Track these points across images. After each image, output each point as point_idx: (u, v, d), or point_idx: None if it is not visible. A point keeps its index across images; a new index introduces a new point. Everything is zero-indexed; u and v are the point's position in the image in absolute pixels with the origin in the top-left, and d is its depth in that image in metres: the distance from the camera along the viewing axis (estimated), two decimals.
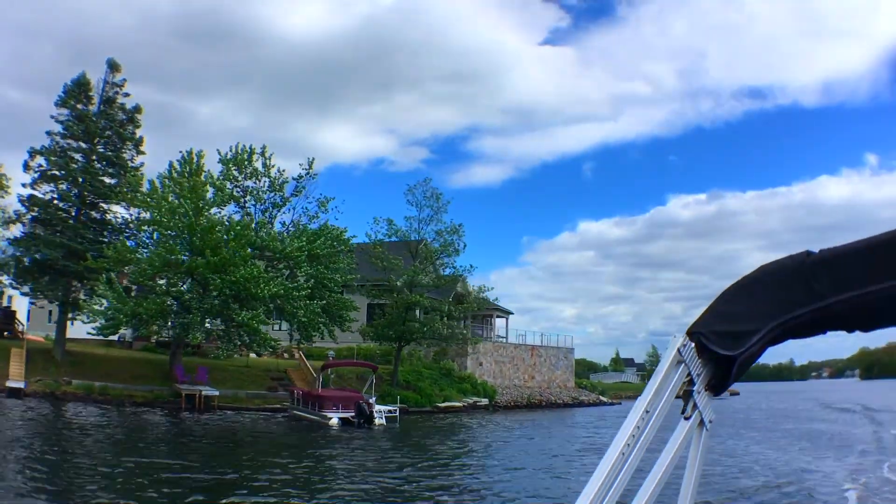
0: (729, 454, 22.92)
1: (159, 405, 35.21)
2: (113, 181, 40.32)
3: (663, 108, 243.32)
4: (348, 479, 16.61)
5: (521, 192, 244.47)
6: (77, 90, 40.89)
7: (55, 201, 40.00)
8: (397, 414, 35.21)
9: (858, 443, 27.12)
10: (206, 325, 33.28)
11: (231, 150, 36.86)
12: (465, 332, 46.42)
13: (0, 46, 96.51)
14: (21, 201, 39.85)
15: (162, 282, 34.61)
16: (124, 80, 41.61)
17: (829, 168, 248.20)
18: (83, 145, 40.41)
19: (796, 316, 1.87)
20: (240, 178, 37.33)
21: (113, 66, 41.68)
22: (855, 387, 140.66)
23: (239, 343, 33.94)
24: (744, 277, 1.96)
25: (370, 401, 32.91)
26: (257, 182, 37.74)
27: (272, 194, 37.80)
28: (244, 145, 37.46)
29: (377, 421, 31.72)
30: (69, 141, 40.36)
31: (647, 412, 1.79)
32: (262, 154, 38.05)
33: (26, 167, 40.35)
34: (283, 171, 38.39)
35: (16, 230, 39.62)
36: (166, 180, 34.55)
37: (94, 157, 40.32)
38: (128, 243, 36.70)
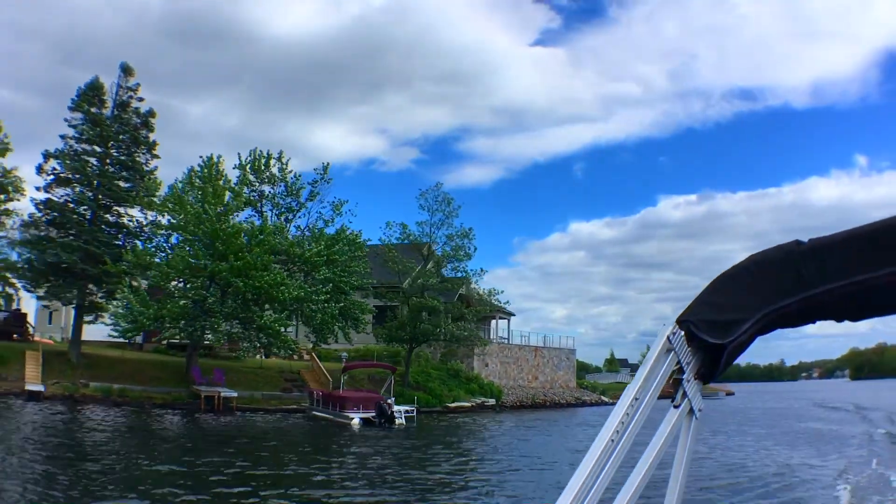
0: (733, 450, 23.75)
1: (178, 407, 35.53)
2: (127, 185, 40.64)
3: (654, 109, 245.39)
4: (398, 473, 17.21)
5: (512, 192, 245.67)
6: (91, 94, 41.15)
7: (69, 204, 40.27)
8: (414, 414, 35.80)
9: (850, 440, 27.98)
10: (227, 327, 33.66)
11: (249, 155, 37.35)
12: (476, 333, 47.07)
13: None
14: (36, 205, 40.09)
15: (179, 284, 34.99)
16: (138, 84, 41.99)
17: (818, 169, 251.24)
18: (97, 149, 40.68)
19: (785, 305, 1.88)
20: (256, 183, 37.80)
21: (126, 71, 41.98)
22: (845, 387, 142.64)
23: (258, 345, 34.39)
24: (733, 267, 1.96)
25: (388, 401, 33.49)
26: (273, 187, 38.22)
27: (288, 199, 38.29)
28: (261, 150, 37.95)
29: (398, 421, 32.30)
30: (83, 145, 40.65)
31: (637, 399, 1.79)
32: (279, 159, 38.55)
33: (39, 170, 40.59)
34: (299, 176, 38.92)
35: (22, 232, 39.67)
36: (188, 185, 34.92)
37: (108, 161, 40.61)
38: (146, 247, 37.06)
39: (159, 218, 37.45)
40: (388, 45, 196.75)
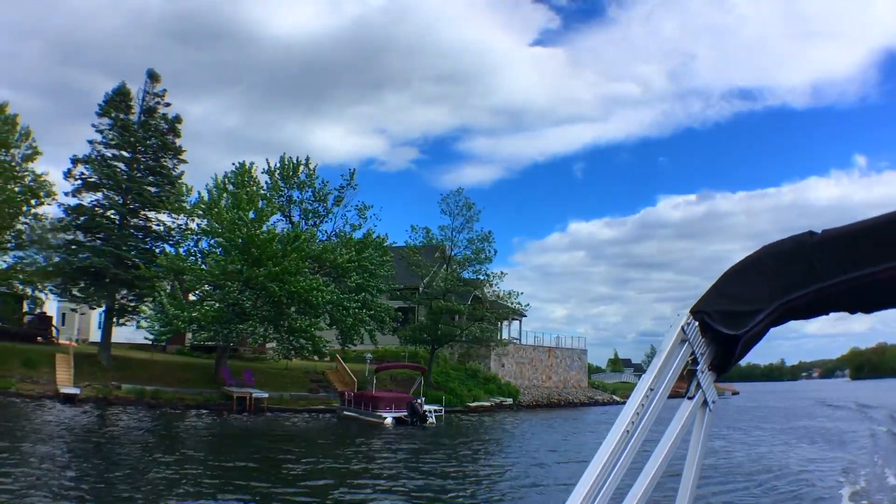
0: (753, 445, 24.57)
1: (210, 408, 36.17)
2: (155, 189, 41.28)
3: (653, 110, 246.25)
4: (454, 467, 17.95)
5: (512, 192, 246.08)
6: (118, 100, 41.81)
7: (98, 209, 40.88)
8: (443, 413, 36.54)
9: (858, 437, 28.71)
10: (262, 330, 34.33)
11: (278, 162, 38.04)
12: (495, 335, 47.86)
13: None
14: (65, 210, 40.69)
15: (208, 288, 35.63)
16: (164, 90, 42.66)
17: (818, 169, 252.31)
18: (126, 154, 41.33)
19: (799, 296, 1.87)
20: (284, 189, 38.49)
21: (153, 77, 42.65)
22: (846, 386, 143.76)
23: (291, 348, 35.07)
24: (747, 257, 1.95)
25: (418, 401, 34.22)
26: (301, 192, 38.92)
27: (316, 204, 38.99)
28: (289, 157, 38.66)
29: (429, 420, 33.03)
30: (112, 150, 41.29)
31: (651, 390, 1.78)
32: (307, 165, 39.25)
33: (67, 175, 41.24)
34: (326, 182, 39.61)
35: (54, 236, 40.25)
36: (220, 191, 35.58)
37: (136, 166, 41.25)
38: (179, 251, 37.66)
39: (189, 223, 38.05)
40: (388, 45, 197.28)
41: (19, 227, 40.01)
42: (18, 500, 11.36)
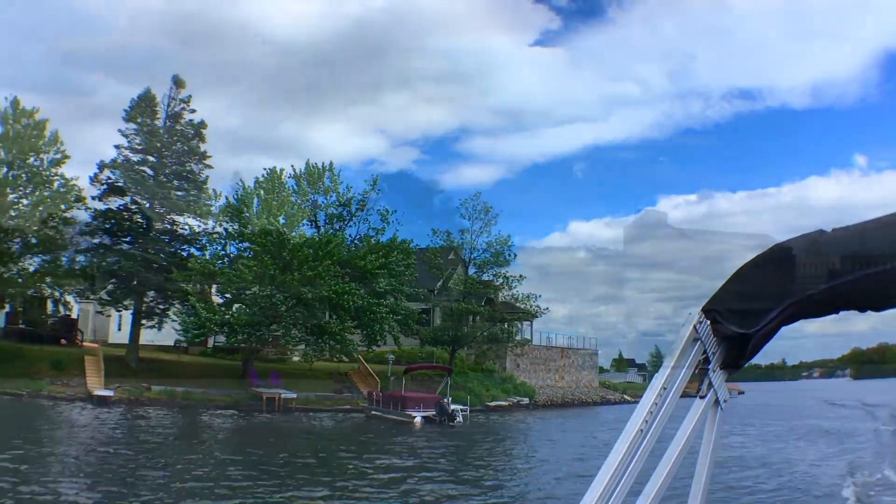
0: (771, 442, 25.35)
1: (240, 408, 36.79)
2: (181, 194, 41.94)
3: (653, 110, 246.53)
4: (502, 460, 18.71)
5: (512, 192, 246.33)
6: (143, 106, 42.46)
7: (124, 213, 41.55)
8: (468, 412, 37.27)
9: (861, 436, 29.34)
10: (294, 333, 35.04)
11: (304, 167, 38.80)
12: (514, 336, 48.66)
13: None
14: (93, 214, 41.35)
15: (240, 292, 36.29)
16: (189, 96, 43.30)
17: (818, 169, 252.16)
18: (152, 159, 41.99)
19: (810, 295, 1.86)
20: (310, 193, 39.26)
21: (178, 83, 43.33)
22: (848, 386, 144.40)
23: (321, 350, 35.78)
24: (758, 256, 1.94)
25: (445, 400, 34.94)
26: (326, 197, 39.70)
27: (341, 209, 39.74)
28: (314, 163, 39.42)
29: (457, 419, 33.73)
30: (138, 155, 41.94)
31: (665, 389, 1.77)
32: (330, 170, 40.02)
33: (93, 180, 41.93)
34: (350, 186, 40.34)
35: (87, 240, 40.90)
36: (249, 196, 36.31)
37: (162, 171, 41.91)
38: (205, 255, 38.36)
39: (217, 227, 38.74)
40: (388, 46, 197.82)
41: (47, 231, 40.62)
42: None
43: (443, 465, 18.36)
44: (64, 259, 42.34)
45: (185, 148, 42.35)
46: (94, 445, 19.78)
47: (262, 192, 37.11)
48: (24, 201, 39.73)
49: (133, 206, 41.30)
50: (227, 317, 34.12)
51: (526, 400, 52.27)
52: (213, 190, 39.52)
